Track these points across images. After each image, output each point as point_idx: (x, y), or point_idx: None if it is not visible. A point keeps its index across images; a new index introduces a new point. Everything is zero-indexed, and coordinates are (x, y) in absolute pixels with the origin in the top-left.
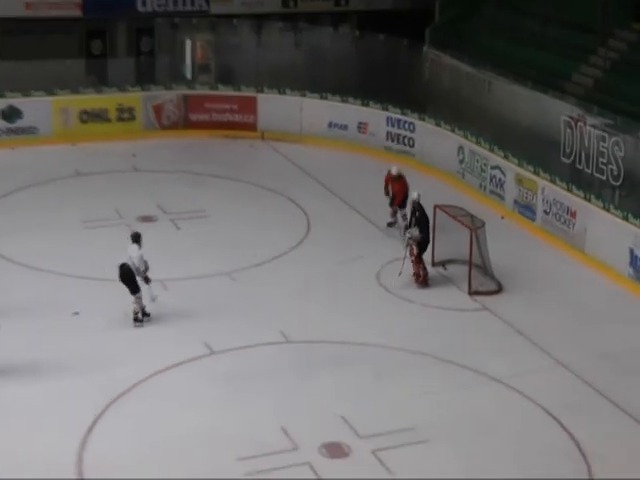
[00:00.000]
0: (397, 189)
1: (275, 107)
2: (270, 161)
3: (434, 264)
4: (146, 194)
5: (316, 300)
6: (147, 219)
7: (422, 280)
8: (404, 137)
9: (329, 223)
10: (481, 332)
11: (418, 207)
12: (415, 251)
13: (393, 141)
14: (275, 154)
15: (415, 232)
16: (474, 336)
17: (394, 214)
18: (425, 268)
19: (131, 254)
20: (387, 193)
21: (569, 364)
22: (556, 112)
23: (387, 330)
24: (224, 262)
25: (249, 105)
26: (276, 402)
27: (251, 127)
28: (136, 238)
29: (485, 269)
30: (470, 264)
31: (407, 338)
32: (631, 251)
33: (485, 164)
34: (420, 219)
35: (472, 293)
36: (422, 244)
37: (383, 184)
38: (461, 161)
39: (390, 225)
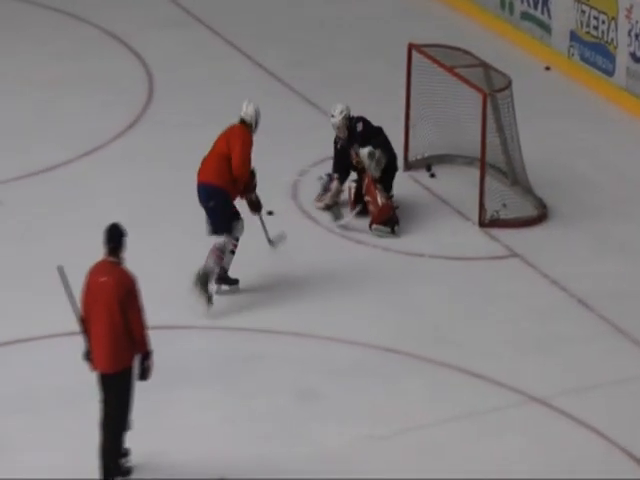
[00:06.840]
0: None
1: None
2: None
3: (407, 167)
4: None
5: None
6: None
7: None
8: None
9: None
10: (504, 304)
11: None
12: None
13: None
14: None
15: (365, 151)
16: (487, 314)
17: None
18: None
19: None
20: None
21: None
22: None
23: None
24: None
25: None
26: None
27: None
28: None
29: (513, 174)
30: (482, 166)
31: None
32: None
33: None
34: (368, 131)
35: (487, 224)
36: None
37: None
38: None
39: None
